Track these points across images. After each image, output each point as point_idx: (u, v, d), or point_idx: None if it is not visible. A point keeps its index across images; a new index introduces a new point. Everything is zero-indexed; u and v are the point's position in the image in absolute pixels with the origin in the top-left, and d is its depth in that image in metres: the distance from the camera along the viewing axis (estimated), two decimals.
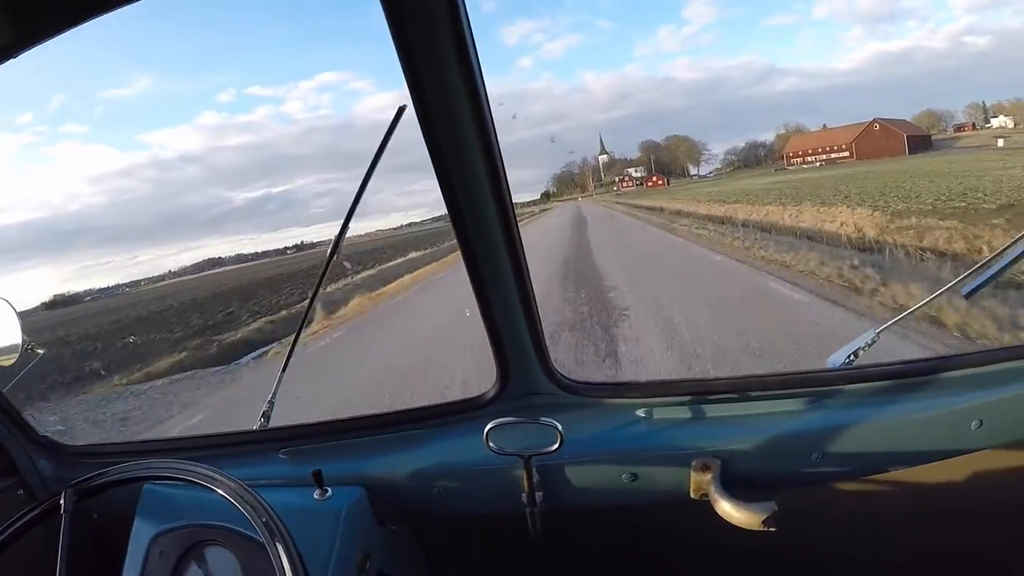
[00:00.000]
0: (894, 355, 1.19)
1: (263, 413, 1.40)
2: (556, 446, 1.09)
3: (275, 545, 0.92)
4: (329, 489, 1.22)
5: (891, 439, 1.09)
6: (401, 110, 1.03)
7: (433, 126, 0.97)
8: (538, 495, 1.15)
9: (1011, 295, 5.01)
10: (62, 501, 1.04)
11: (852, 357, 1.17)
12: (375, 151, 1.11)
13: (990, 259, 1.09)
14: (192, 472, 1.03)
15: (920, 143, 22.56)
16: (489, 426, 1.12)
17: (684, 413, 1.18)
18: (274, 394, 1.40)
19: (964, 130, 23.17)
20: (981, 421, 1.04)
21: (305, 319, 1.82)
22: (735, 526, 1.04)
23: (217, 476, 1.01)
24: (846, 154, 23.47)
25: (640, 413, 1.20)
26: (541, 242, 16.98)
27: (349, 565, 1.15)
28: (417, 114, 0.97)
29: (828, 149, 24.10)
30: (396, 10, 0.87)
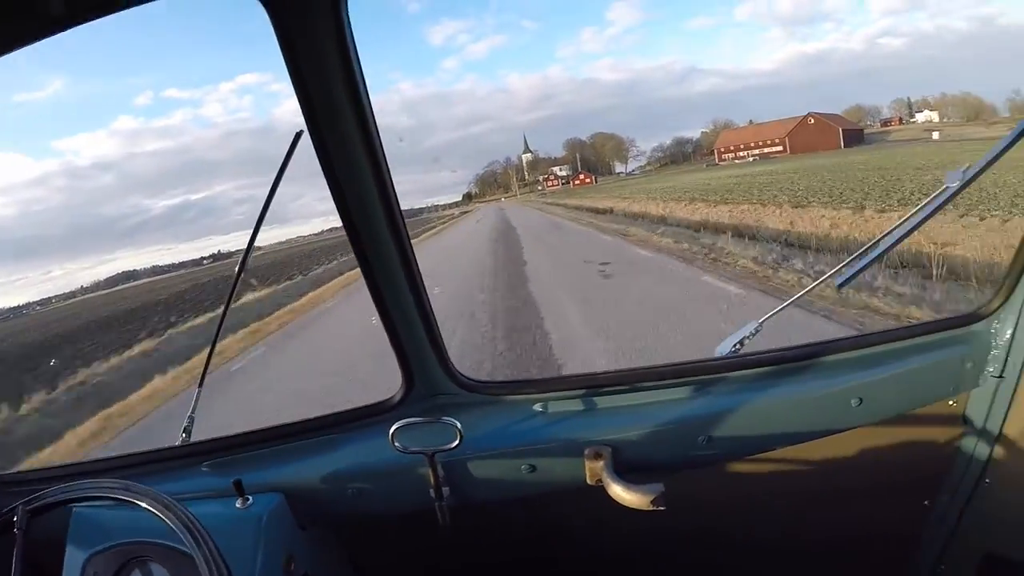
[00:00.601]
0: (778, 343, 1.23)
1: (184, 428, 1.40)
2: (456, 443, 1.13)
3: (200, 554, 0.94)
4: (250, 497, 1.22)
5: (775, 420, 1.15)
6: (298, 135, 1.05)
7: (324, 144, 1.01)
8: (444, 490, 1.19)
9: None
10: (15, 518, 1.05)
11: (738, 346, 1.22)
12: (277, 172, 1.15)
13: (862, 251, 1.18)
14: (129, 491, 1.03)
15: (854, 137, 21.41)
16: (394, 427, 1.15)
17: (578, 405, 1.22)
18: (193, 409, 1.40)
19: (891, 124, 22.43)
20: (861, 399, 1.13)
21: (219, 333, 1.47)
22: (630, 509, 1.08)
23: (143, 492, 1.03)
24: (779, 148, 22.02)
25: (537, 408, 1.24)
26: (450, 269, 13.42)
27: (275, 569, 1.18)
28: (309, 131, 1.01)
29: (761, 144, 22.60)
30: (284, 25, 0.91)
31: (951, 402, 1.17)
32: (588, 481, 1.15)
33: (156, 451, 1.41)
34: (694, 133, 27.25)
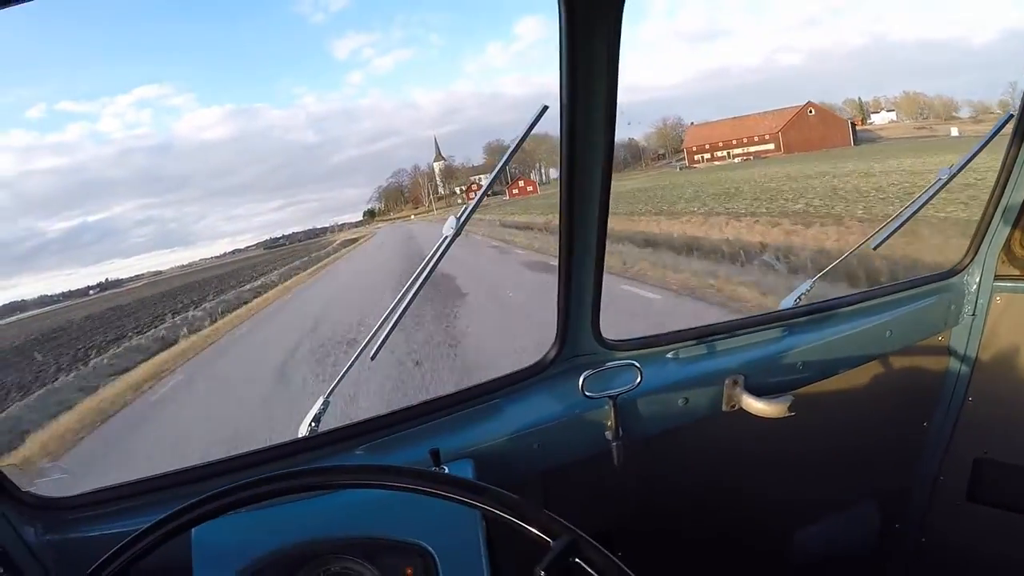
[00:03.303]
0: (825, 295, 1.49)
1: (314, 417, 1.29)
2: (638, 381, 1.20)
3: (484, 498, 0.84)
4: (445, 466, 1.17)
5: (837, 349, 1.40)
6: (544, 109, 1.09)
7: (573, 115, 1.07)
8: (620, 430, 1.26)
9: None
10: None
11: (799, 299, 1.47)
12: (512, 145, 1.16)
13: (892, 218, 1.44)
14: (309, 476, 0.89)
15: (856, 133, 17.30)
16: (583, 375, 1.19)
17: (702, 350, 1.39)
18: (328, 395, 1.32)
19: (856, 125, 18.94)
20: (891, 331, 1.42)
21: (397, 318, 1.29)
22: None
23: (341, 468, 0.91)
24: (770, 147, 17.43)
25: (669, 356, 1.37)
26: None
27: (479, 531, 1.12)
28: (562, 103, 1.06)
29: (745, 141, 17.87)
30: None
31: (939, 337, 1.50)
32: (724, 407, 1.30)
33: (278, 446, 1.32)
34: (634, 134, 22.72)
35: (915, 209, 1.43)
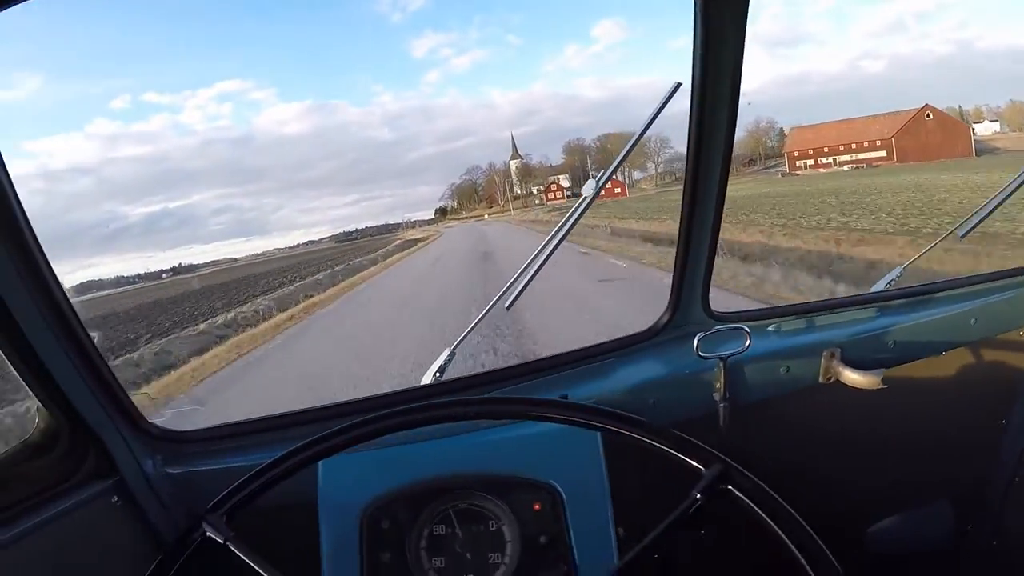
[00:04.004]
0: (916, 280, 1.59)
1: (439, 368, 1.36)
2: (747, 344, 1.26)
3: (640, 429, 0.90)
4: None
5: (923, 333, 1.43)
6: (677, 86, 1.15)
7: (703, 97, 1.14)
8: (728, 392, 1.32)
9: None
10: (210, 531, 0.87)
11: (890, 284, 1.58)
12: (644, 123, 1.23)
13: (980, 208, 1.50)
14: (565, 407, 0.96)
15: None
16: (698, 336, 1.26)
17: (801, 323, 1.49)
18: (455, 347, 1.39)
19: None
20: (976, 319, 1.43)
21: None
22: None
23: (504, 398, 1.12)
24: (882, 153, 16.93)
25: (771, 328, 1.47)
26: None
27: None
28: (693, 86, 1.13)
29: (854, 147, 17.40)
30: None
31: (1021, 332, 1.46)
32: (821, 379, 1.36)
33: (399, 392, 1.45)
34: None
35: (1003, 197, 1.48)
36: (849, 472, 1.40)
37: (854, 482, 1.42)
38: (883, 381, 1.28)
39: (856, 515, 1.49)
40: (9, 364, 0.97)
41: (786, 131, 20.78)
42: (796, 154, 18.66)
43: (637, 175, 24.58)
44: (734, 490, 0.84)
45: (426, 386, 1.35)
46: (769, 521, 0.82)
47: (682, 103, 1.15)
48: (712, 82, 1.13)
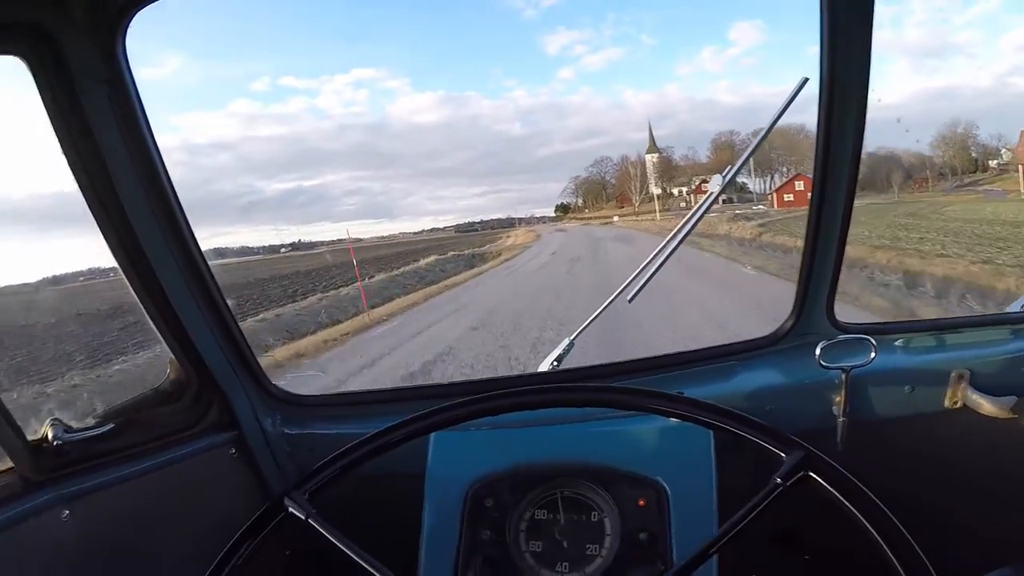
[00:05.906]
0: None
1: (557, 357, 1.39)
2: (872, 356, 1.22)
3: (722, 417, 0.90)
4: None
5: None
6: (804, 81, 1.14)
7: (832, 91, 1.12)
8: (848, 407, 1.28)
9: None
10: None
11: None
12: (775, 115, 1.23)
13: None
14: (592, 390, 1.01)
15: None
16: (820, 345, 1.23)
17: (929, 340, 1.39)
18: (574, 337, 1.41)
19: None
20: None
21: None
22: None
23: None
24: None
25: (898, 343, 1.39)
26: None
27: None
28: (821, 80, 1.10)
29: None
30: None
31: None
32: (946, 404, 1.28)
33: (515, 377, 1.47)
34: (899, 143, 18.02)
35: None
36: (968, 511, 1.31)
37: (972, 523, 1.31)
38: (1013, 409, 1.20)
39: (969, 561, 1.25)
40: (148, 318, 1.08)
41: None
42: None
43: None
44: (816, 476, 0.83)
45: (543, 373, 1.38)
46: (853, 509, 0.81)
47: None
48: (840, 80, 1.11)
